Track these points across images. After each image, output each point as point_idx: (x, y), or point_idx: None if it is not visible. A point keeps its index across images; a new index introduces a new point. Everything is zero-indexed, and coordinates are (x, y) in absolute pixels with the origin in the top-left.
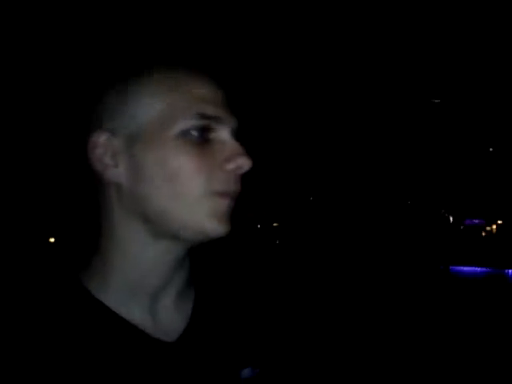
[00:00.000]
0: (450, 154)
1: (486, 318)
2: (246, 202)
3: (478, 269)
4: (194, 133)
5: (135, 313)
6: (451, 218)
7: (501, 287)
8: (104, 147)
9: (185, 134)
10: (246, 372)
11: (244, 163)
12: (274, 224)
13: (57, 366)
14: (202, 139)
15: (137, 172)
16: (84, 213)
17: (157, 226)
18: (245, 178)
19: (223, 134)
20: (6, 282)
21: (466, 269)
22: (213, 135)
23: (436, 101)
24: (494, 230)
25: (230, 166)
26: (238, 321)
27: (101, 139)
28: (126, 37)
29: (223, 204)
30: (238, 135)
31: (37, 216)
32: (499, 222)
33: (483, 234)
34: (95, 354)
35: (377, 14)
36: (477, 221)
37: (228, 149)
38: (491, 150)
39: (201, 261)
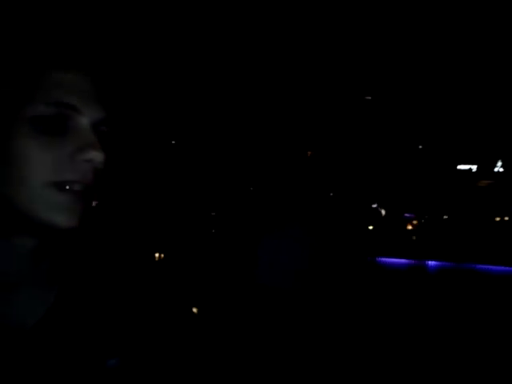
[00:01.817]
0: (383, 150)
1: (409, 306)
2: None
3: (404, 260)
4: (47, 119)
5: None
6: (383, 212)
7: (421, 277)
8: None
9: (36, 119)
10: (111, 362)
11: (95, 156)
12: (212, 213)
13: None
14: (55, 127)
15: None
16: None
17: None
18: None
19: (81, 123)
20: None
21: (392, 260)
22: (70, 123)
23: (367, 98)
24: (420, 224)
25: (80, 156)
26: (104, 311)
27: None
28: None
29: (63, 197)
30: (107, 127)
31: None
32: (426, 216)
33: (410, 227)
34: None
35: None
36: (408, 215)
37: (81, 139)
38: (420, 147)
39: (67, 250)
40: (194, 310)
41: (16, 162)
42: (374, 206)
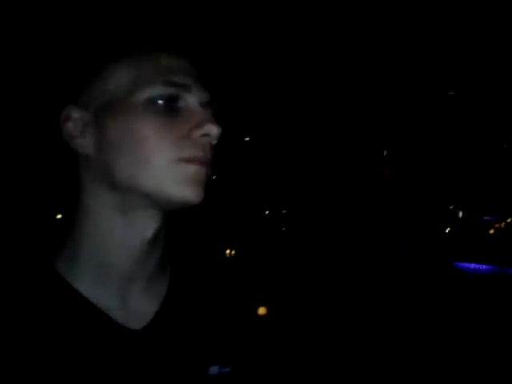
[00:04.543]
0: (462, 148)
1: (487, 317)
2: (256, 187)
3: (484, 266)
4: (161, 101)
5: (103, 296)
6: (460, 214)
7: (504, 286)
8: (75, 121)
9: (151, 102)
10: (214, 369)
11: (212, 129)
12: (283, 211)
13: (14, 350)
14: (169, 108)
15: (103, 141)
16: (65, 189)
17: (124, 196)
18: (258, 165)
19: (191, 102)
20: None
21: (470, 265)
22: (181, 104)
23: (450, 93)
24: (503, 227)
25: (198, 132)
26: (213, 314)
27: (72, 113)
28: (99, 17)
29: (192, 169)
30: (214, 109)
31: (38, 194)
32: (509, 219)
33: (492, 231)
34: (56, 339)
35: (389, 10)
36: (487, 217)
37: (195, 116)
38: (505, 146)
39: (178, 243)
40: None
41: (138, 143)
42: (451, 207)
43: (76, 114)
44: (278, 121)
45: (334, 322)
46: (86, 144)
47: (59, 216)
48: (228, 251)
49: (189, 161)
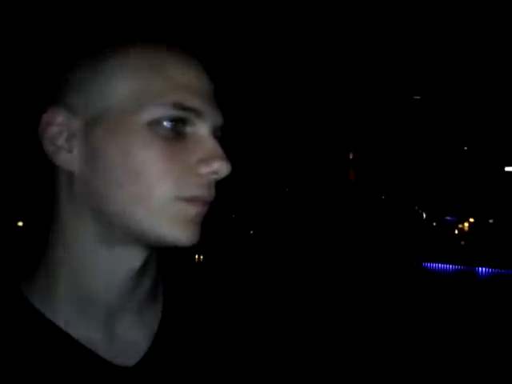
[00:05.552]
0: (425, 151)
1: (456, 315)
2: (221, 191)
3: (450, 266)
4: (167, 124)
5: (86, 330)
6: (424, 215)
7: (471, 285)
8: (60, 126)
9: (156, 123)
10: None
11: (222, 168)
12: (249, 214)
13: None
14: (175, 132)
15: (93, 161)
16: (36, 205)
17: (110, 229)
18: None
19: (202, 129)
20: None
21: (438, 266)
22: (189, 130)
23: (416, 97)
24: (466, 228)
25: (205, 169)
26: (214, 341)
27: (57, 117)
28: (100, 3)
29: (191, 210)
30: (223, 135)
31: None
32: (471, 219)
33: (456, 231)
34: (32, 381)
35: (363, 14)
36: (449, 218)
37: (205, 149)
38: (466, 148)
39: (170, 268)
40: None
41: (139, 174)
42: (416, 208)
43: (62, 117)
44: (243, 124)
45: (305, 323)
46: (70, 159)
47: (20, 223)
48: (196, 256)
49: (191, 201)
